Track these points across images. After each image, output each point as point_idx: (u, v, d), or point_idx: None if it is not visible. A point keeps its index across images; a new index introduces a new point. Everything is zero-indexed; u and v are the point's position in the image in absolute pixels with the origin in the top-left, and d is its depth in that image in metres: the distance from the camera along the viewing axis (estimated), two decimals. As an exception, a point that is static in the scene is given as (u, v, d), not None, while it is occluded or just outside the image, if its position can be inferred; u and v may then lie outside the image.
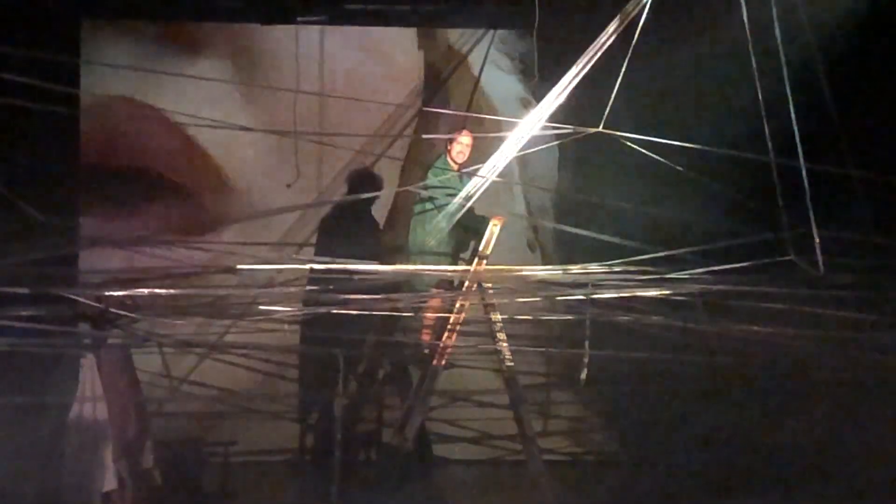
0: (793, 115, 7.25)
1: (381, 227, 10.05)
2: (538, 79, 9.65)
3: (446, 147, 9.12)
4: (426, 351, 8.83)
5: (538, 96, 8.36)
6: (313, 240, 10.03)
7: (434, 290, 8.86)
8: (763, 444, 8.81)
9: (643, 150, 7.74)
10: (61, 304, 7.39)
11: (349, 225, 9.67)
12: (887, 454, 8.25)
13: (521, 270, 8.60)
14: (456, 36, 10.35)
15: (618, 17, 7.28)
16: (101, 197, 9.98)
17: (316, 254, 9.56)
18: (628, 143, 7.71)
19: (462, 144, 9.03)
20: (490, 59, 10.28)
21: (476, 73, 10.32)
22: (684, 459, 8.81)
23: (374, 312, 8.60)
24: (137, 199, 10.02)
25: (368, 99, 9.44)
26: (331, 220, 9.94)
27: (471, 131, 9.10)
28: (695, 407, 8.97)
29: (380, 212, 10.04)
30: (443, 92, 10.38)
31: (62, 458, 7.76)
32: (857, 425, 8.46)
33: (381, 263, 8.76)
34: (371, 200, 9.65)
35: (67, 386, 7.83)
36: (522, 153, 7.89)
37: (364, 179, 9.96)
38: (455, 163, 9.03)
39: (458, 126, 9.39)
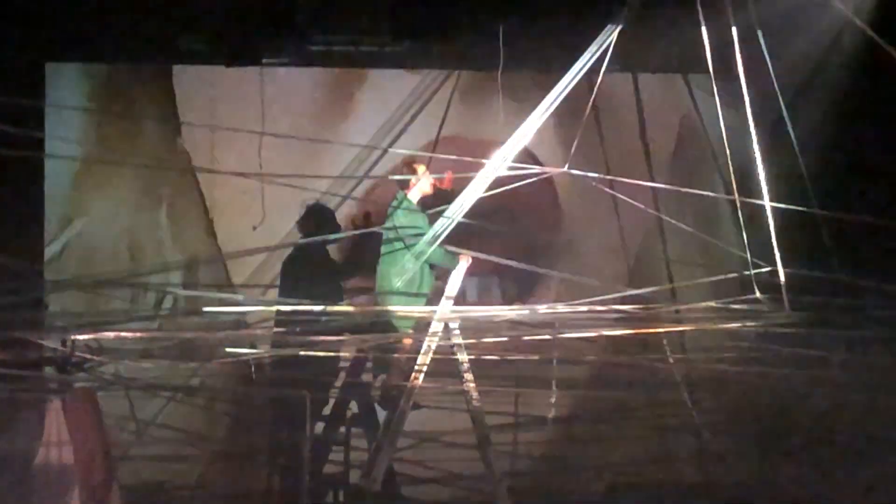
0: (757, 156, 7.32)
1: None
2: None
3: (409, 184, 9.10)
4: (393, 392, 8.81)
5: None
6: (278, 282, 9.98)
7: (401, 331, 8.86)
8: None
9: (610, 192, 7.80)
10: (26, 348, 7.35)
11: (308, 266, 9.57)
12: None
13: (488, 310, 8.62)
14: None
15: (576, 63, 7.40)
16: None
17: (280, 296, 9.51)
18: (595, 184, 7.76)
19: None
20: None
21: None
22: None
23: (342, 354, 8.65)
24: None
25: (338, 141, 9.47)
26: (292, 262, 9.85)
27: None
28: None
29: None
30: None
31: (28, 502, 7.69)
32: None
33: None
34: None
35: (33, 430, 7.78)
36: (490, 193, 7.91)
37: (318, 217, 9.89)
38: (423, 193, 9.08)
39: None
